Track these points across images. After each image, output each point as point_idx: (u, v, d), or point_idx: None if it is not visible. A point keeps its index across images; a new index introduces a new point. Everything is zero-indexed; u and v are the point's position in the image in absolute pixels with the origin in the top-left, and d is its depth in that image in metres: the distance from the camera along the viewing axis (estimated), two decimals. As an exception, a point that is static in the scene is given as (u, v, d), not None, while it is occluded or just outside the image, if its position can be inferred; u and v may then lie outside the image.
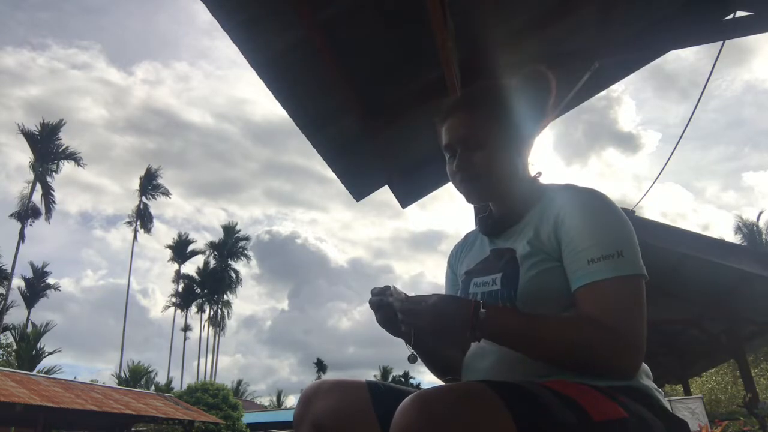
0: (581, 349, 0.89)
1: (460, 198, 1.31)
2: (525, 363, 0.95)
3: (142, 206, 39.35)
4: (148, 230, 39.74)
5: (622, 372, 0.89)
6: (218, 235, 44.58)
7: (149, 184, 39.76)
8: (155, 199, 40.38)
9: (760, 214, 29.75)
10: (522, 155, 1.13)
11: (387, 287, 1.05)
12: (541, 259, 1.00)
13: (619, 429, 0.79)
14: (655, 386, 0.96)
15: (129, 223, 39.66)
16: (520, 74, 1.14)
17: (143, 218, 39.26)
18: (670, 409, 0.94)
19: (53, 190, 32.61)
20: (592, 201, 1.00)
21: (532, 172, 1.15)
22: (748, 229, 29.27)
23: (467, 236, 1.31)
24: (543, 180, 1.15)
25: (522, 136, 1.12)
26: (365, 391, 1.10)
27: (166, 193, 40.57)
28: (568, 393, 0.81)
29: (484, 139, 1.08)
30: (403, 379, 44.67)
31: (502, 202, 1.14)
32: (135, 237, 39.21)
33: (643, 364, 0.97)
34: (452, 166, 1.12)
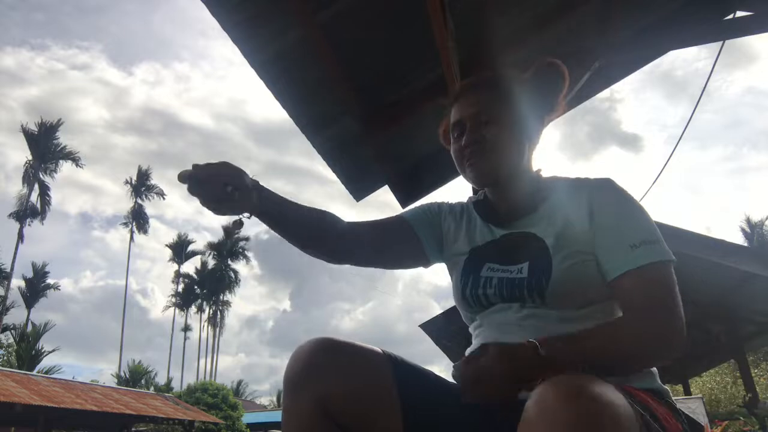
0: (632, 342, 0.90)
1: (460, 197, 1.29)
2: None
3: (136, 207, 39.29)
4: (144, 231, 39.73)
5: (670, 353, 0.91)
6: (219, 236, 44.55)
7: (142, 185, 39.61)
8: (149, 199, 40.35)
9: (766, 218, 29.71)
10: (530, 144, 1.12)
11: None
12: (575, 251, 0.99)
13: None
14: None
15: (125, 224, 39.71)
16: (533, 65, 1.14)
17: (138, 219, 39.21)
18: None
19: (50, 190, 32.60)
20: (620, 191, 1.04)
21: (535, 167, 1.15)
22: (751, 230, 29.22)
23: (453, 206, 1.25)
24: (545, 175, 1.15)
25: (533, 124, 1.12)
26: (388, 366, 0.97)
27: (161, 194, 40.46)
28: (646, 404, 0.82)
29: (496, 117, 1.07)
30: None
31: (508, 187, 1.11)
32: (131, 238, 39.29)
33: None
34: (460, 142, 1.09)
